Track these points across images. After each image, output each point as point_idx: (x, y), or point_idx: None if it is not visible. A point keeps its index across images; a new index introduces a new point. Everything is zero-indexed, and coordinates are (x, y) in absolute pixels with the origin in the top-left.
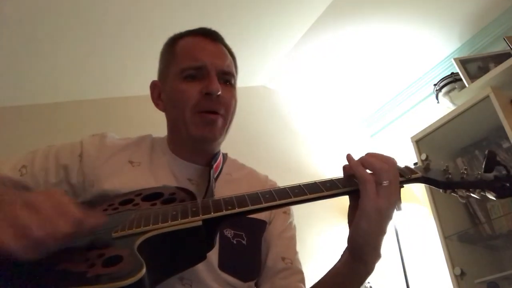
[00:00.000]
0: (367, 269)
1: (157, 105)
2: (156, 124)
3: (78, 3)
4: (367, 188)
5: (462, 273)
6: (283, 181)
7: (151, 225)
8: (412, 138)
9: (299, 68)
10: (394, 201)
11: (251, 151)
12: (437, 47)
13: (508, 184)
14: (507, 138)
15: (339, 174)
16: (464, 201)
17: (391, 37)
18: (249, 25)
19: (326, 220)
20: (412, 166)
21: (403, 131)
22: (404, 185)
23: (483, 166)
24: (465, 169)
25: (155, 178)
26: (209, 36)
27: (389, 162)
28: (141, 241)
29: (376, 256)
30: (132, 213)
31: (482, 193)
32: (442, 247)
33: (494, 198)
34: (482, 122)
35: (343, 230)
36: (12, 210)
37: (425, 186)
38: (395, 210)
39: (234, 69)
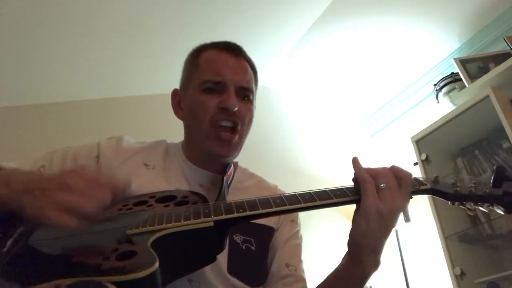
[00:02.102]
0: (364, 273)
1: (176, 113)
2: (155, 123)
3: (78, 3)
4: (366, 187)
5: (462, 273)
6: (283, 181)
7: (164, 224)
8: (412, 138)
9: (299, 68)
10: (398, 208)
11: (251, 151)
12: (437, 47)
13: None
14: (507, 138)
15: (339, 174)
16: (472, 214)
17: (391, 37)
18: (249, 25)
19: (328, 220)
20: (419, 174)
21: (403, 131)
22: (413, 196)
23: (491, 181)
24: (474, 182)
25: (168, 182)
26: (232, 50)
27: (389, 168)
28: (154, 238)
29: (374, 262)
30: (146, 213)
31: (490, 207)
32: (442, 247)
33: (503, 213)
34: (482, 122)
35: (345, 231)
36: (51, 194)
37: None
38: (399, 218)
39: (253, 85)
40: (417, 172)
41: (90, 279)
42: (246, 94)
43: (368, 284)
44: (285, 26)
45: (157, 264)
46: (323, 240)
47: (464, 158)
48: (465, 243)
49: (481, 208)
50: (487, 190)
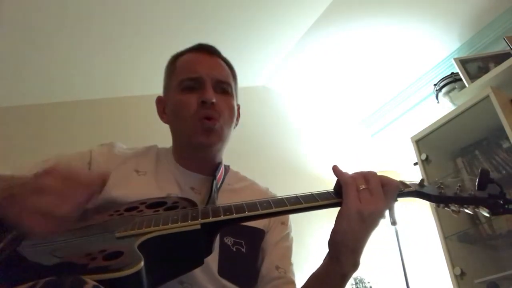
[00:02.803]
0: (343, 272)
1: (162, 118)
2: (155, 124)
3: (78, 4)
4: (347, 189)
5: (462, 273)
6: (283, 180)
7: (152, 227)
8: (412, 138)
9: (299, 68)
10: (378, 210)
11: (251, 151)
12: (437, 47)
13: (501, 201)
14: (507, 138)
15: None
16: (456, 216)
17: (391, 37)
18: (249, 26)
19: (329, 222)
20: (407, 180)
21: (403, 131)
22: (398, 199)
23: (476, 184)
24: (459, 185)
25: (160, 187)
26: (206, 50)
27: (369, 171)
28: (142, 241)
29: (353, 262)
30: (136, 218)
31: (476, 209)
32: (442, 247)
33: (488, 215)
34: (482, 122)
35: None
36: (26, 200)
37: None
38: (379, 219)
39: (231, 79)
40: (417, 172)
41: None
42: (223, 87)
43: (368, 284)
44: (285, 26)
45: (142, 264)
46: (323, 241)
47: (464, 158)
48: (465, 243)
49: (466, 210)
50: (473, 192)
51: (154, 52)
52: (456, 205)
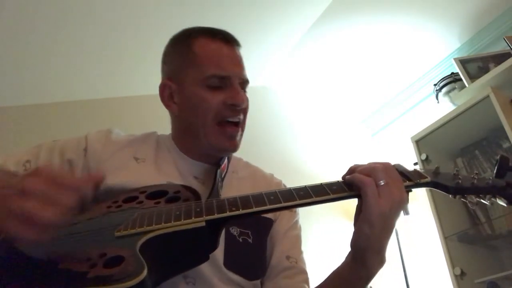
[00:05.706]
0: (369, 274)
1: (168, 106)
2: (155, 124)
3: (77, 5)
4: (367, 191)
5: (462, 273)
6: (284, 181)
7: (153, 225)
8: (412, 138)
9: (299, 68)
10: (398, 202)
11: (251, 151)
12: (437, 47)
13: None
14: (507, 138)
15: (339, 174)
16: (473, 207)
17: (391, 37)
18: (249, 25)
19: (327, 217)
20: (419, 168)
21: (403, 131)
22: (413, 190)
23: (494, 171)
24: (476, 173)
25: (160, 175)
26: (230, 42)
27: (382, 163)
28: (143, 241)
29: (379, 261)
30: (135, 212)
31: (492, 199)
32: (442, 247)
33: (505, 205)
34: (482, 122)
35: (344, 228)
36: (9, 202)
37: None
38: (400, 212)
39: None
40: None
41: None
42: (244, 87)
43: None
44: (284, 26)
45: (145, 272)
46: (321, 236)
47: (464, 158)
48: (465, 243)
49: (482, 201)
50: (490, 181)
51: (154, 51)
52: (473, 196)
